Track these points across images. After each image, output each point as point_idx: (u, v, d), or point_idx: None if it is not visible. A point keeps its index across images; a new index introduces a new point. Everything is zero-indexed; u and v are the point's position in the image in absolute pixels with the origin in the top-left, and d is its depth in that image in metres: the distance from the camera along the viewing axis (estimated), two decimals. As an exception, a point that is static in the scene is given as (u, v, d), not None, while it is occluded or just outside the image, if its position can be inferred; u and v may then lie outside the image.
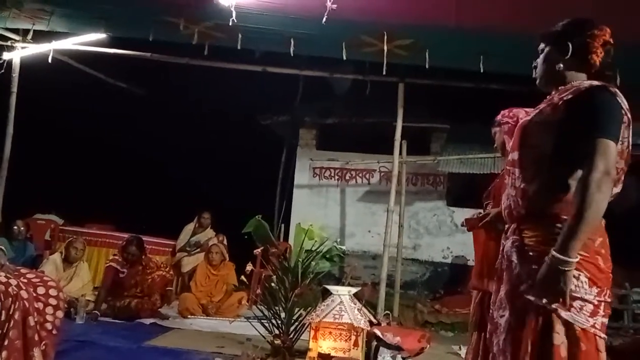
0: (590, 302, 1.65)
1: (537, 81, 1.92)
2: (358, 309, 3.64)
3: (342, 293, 3.70)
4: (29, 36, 5.79)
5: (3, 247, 3.08)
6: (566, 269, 1.59)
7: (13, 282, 2.62)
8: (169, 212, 7.97)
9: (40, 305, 2.69)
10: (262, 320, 4.20)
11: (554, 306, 1.63)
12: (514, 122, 2.64)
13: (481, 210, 2.77)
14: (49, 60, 5.77)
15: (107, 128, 8.75)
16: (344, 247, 5.91)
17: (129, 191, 9.30)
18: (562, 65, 1.82)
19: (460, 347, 4.80)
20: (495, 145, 2.85)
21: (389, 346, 3.56)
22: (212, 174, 9.99)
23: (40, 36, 5.80)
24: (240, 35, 5.08)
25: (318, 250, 4.16)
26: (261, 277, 6.40)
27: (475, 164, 7.46)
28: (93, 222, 7.43)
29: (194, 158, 9.89)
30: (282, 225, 8.81)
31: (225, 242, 7.05)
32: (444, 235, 8.45)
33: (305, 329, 3.99)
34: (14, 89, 5.94)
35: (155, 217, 8.06)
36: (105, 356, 3.69)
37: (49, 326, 2.69)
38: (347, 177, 8.83)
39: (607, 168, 1.59)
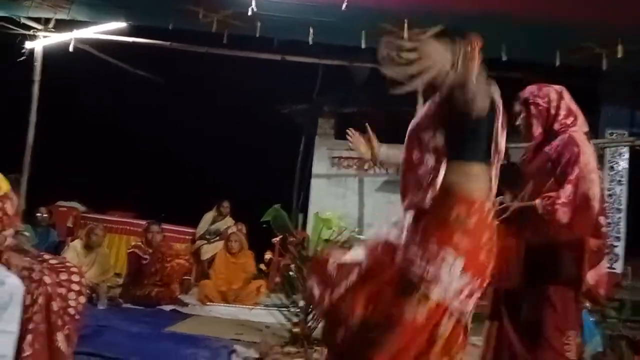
0: (457, 286, 1.77)
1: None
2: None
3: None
4: (51, 25, 5.85)
5: (27, 234, 3.12)
6: None
7: (37, 267, 2.66)
8: (188, 201, 8.04)
9: (63, 290, 2.72)
10: (281, 308, 4.22)
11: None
12: (545, 104, 2.51)
13: (502, 198, 2.70)
14: (70, 49, 5.83)
15: (128, 116, 8.82)
16: (362, 237, 5.88)
17: (149, 179, 9.39)
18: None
19: (480, 339, 4.77)
20: (517, 123, 2.62)
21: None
22: (231, 163, 10.03)
23: (61, 25, 5.86)
24: (259, 24, 5.07)
25: (336, 239, 4.16)
26: (280, 265, 6.43)
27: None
28: (114, 210, 7.54)
29: (213, 147, 9.93)
30: (301, 214, 8.83)
31: (244, 230, 7.10)
32: (463, 226, 8.39)
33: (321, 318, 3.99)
34: (37, 77, 6.01)
35: (175, 205, 8.13)
36: (127, 341, 3.74)
37: (71, 311, 2.72)
38: (366, 167, 8.79)
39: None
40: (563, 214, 2.31)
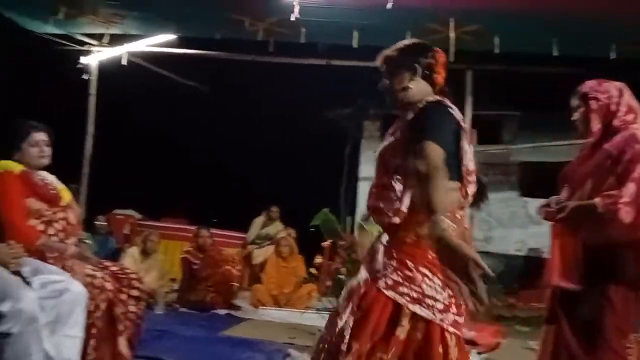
0: (441, 302, 1.78)
1: (388, 100, 2.03)
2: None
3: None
4: (105, 40, 6.08)
5: (88, 242, 3.25)
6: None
7: (99, 274, 2.77)
8: (238, 207, 8.17)
9: (123, 296, 2.82)
10: (333, 312, 4.22)
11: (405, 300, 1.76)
12: (605, 99, 2.40)
13: (558, 197, 2.61)
14: (123, 63, 6.04)
15: (178, 126, 9.07)
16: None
17: (201, 186, 9.61)
18: (410, 85, 1.96)
19: (537, 343, 4.63)
20: (573, 119, 2.52)
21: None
22: (279, 169, 10.14)
23: (114, 40, 6.08)
24: (303, 30, 5.11)
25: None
26: (330, 269, 6.44)
27: (549, 151, 7.15)
28: (168, 217, 7.75)
29: (261, 153, 10.07)
30: (349, 218, 8.82)
31: (293, 235, 7.16)
32: (517, 226, 8.16)
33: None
34: (92, 91, 6.26)
35: (226, 211, 8.29)
36: (184, 345, 3.84)
37: (132, 316, 2.82)
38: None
39: (431, 164, 1.72)
40: (626, 214, 2.23)
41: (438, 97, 1.92)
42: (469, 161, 1.89)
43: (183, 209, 8.13)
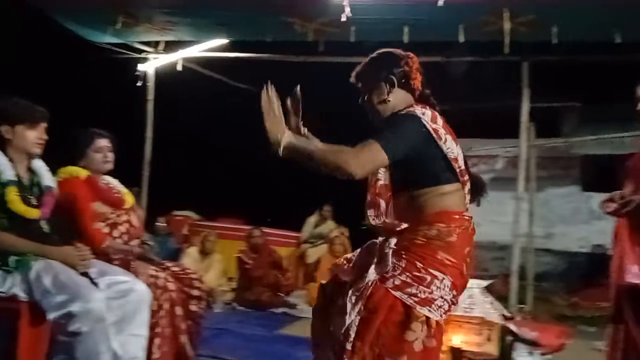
0: (448, 302, 1.82)
1: (371, 117, 2.04)
2: (490, 303, 3.51)
3: (472, 286, 3.58)
4: (160, 47, 6.26)
5: (151, 243, 3.37)
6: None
7: (161, 274, 2.87)
8: (292, 206, 8.25)
9: (185, 296, 2.92)
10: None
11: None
12: None
13: (622, 191, 2.50)
14: (178, 68, 6.20)
15: (234, 128, 9.23)
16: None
17: (256, 187, 9.75)
18: (389, 98, 1.97)
19: (603, 343, 4.44)
20: (638, 109, 2.45)
21: (525, 342, 3.39)
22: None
23: (170, 46, 6.25)
24: (353, 28, 5.09)
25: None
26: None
27: (613, 143, 6.83)
28: (225, 217, 7.91)
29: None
30: (403, 216, 8.74)
31: (346, 234, 7.16)
32: (580, 222, 7.84)
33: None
34: (150, 97, 6.45)
35: (280, 210, 8.37)
36: (243, 344, 3.91)
37: (193, 315, 2.91)
38: (470, 165, 8.51)
39: (362, 164, 1.75)
40: None
41: (410, 109, 1.91)
42: (460, 162, 1.93)
43: (239, 209, 8.28)
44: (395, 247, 1.84)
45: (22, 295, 2.42)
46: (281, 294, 5.77)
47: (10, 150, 2.57)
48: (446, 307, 1.81)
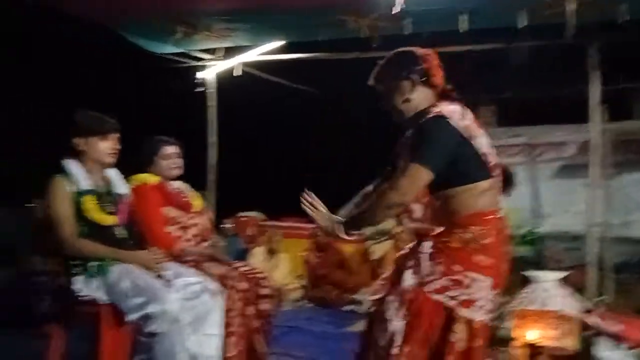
0: (490, 301, 1.83)
1: (394, 117, 2.04)
2: (567, 296, 3.37)
3: (547, 279, 3.45)
4: (219, 54, 6.41)
5: (220, 244, 3.46)
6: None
7: (232, 275, 2.94)
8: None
9: (254, 295, 2.97)
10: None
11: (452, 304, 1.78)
12: None
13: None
14: (238, 74, 6.33)
15: (294, 129, 9.34)
16: (543, 230, 5.46)
17: (316, 185, 9.81)
18: (412, 96, 1.97)
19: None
20: None
21: (607, 336, 3.22)
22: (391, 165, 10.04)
23: (228, 52, 6.39)
24: (407, 21, 5.01)
25: (514, 235, 3.94)
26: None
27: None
28: (289, 216, 8.00)
29: (373, 150, 10.06)
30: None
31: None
32: (659, 209, 7.38)
33: (508, 317, 3.81)
34: (211, 103, 6.63)
35: (341, 208, 8.38)
36: (314, 341, 3.94)
37: (264, 314, 2.96)
38: (536, 153, 8.18)
39: (406, 192, 1.79)
40: None
41: (436, 110, 1.91)
42: (491, 156, 1.92)
43: (301, 208, 8.35)
44: (431, 251, 1.85)
45: (102, 299, 2.54)
46: (347, 293, 5.77)
47: (85, 161, 2.71)
48: (489, 306, 1.83)
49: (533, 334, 3.41)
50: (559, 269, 5.64)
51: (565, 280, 3.67)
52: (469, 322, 1.77)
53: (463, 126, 1.86)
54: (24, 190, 4.25)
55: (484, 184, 1.87)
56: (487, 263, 1.80)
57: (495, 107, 8.54)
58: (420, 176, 1.80)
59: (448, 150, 1.84)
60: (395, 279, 1.90)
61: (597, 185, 5.48)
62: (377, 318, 1.88)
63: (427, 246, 1.87)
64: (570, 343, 3.29)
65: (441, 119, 1.87)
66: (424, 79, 1.98)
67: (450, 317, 1.77)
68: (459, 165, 1.85)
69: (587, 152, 5.75)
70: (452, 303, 1.77)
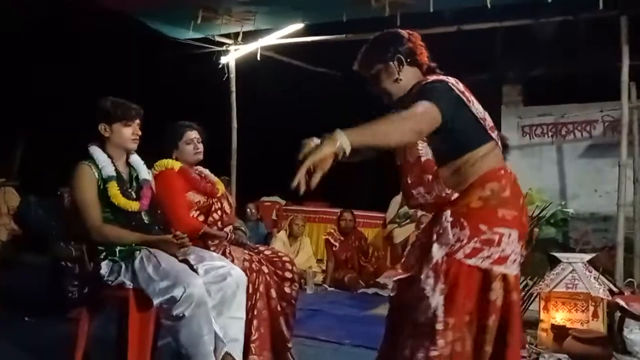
0: (519, 254, 1.84)
1: (385, 100, 2.01)
2: (595, 277, 3.30)
3: (574, 260, 3.39)
4: (239, 38, 6.38)
5: (243, 229, 3.47)
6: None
7: (255, 258, 2.95)
8: (377, 187, 8.20)
9: (278, 278, 2.98)
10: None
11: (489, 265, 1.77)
12: None
13: None
14: (258, 58, 6.31)
15: (315, 113, 9.30)
16: (570, 210, 5.36)
17: (338, 169, 9.78)
18: (400, 77, 1.96)
19: None
20: None
21: (636, 317, 3.16)
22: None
23: (248, 36, 6.36)
24: (431, -3, 4.91)
25: (540, 215, 3.87)
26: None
27: None
28: (310, 201, 8.02)
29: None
30: (493, 190, 8.41)
31: (434, 212, 7.02)
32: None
33: (534, 300, 3.76)
34: (233, 88, 6.63)
35: (364, 192, 8.36)
36: (336, 324, 3.96)
37: (287, 297, 2.97)
38: (564, 132, 7.97)
39: (420, 120, 1.72)
40: None
41: (432, 78, 1.92)
42: (488, 120, 1.92)
43: (324, 193, 8.35)
44: (452, 219, 1.83)
45: (128, 283, 2.58)
46: (369, 276, 5.78)
47: (109, 147, 2.74)
48: (519, 259, 1.85)
49: (560, 316, 3.36)
50: (588, 250, 5.55)
51: (593, 262, 3.60)
52: (505, 278, 1.78)
53: (460, 91, 1.88)
54: (54, 177, 4.33)
55: (487, 146, 1.88)
56: (511, 216, 1.81)
57: (522, 86, 8.37)
58: (432, 111, 1.74)
59: (453, 102, 1.83)
60: (422, 256, 1.88)
61: (626, 165, 5.33)
62: (409, 298, 1.86)
63: (447, 215, 1.84)
64: (598, 326, 3.24)
65: (440, 81, 1.89)
66: (410, 58, 1.99)
67: (486, 278, 1.77)
68: (462, 130, 1.86)
69: (616, 130, 5.59)
70: (486, 263, 1.76)
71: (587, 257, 3.53)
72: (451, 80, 1.91)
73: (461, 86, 1.91)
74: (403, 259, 2.05)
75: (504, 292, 1.77)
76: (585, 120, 7.72)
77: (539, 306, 3.55)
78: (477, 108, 1.91)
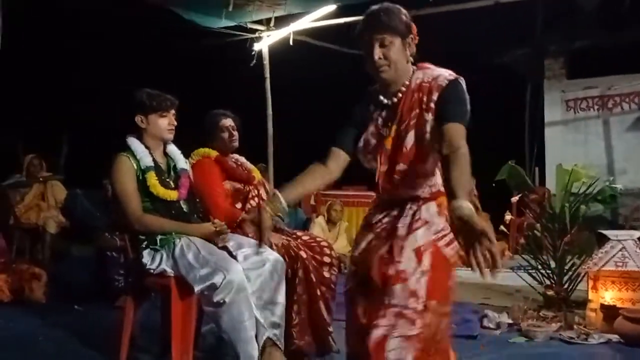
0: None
1: (385, 72, 1.90)
2: (646, 255, 3.17)
3: (624, 237, 3.25)
4: (272, 24, 6.36)
5: (281, 215, 3.47)
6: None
7: (293, 244, 2.95)
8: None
9: (317, 263, 2.97)
10: (530, 271, 3.97)
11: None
12: None
13: None
14: (291, 43, 6.28)
15: (349, 95, 9.24)
16: (618, 186, 5.17)
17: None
18: (410, 56, 1.91)
19: None
20: None
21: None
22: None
23: (280, 22, 6.33)
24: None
25: (587, 192, 3.73)
26: (522, 225, 6.06)
27: None
28: (349, 185, 7.99)
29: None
30: (537, 168, 8.19)
31: (475, 192, 6.87)
32: None
33: (582, 279, 3.64)
34: (267, 75, 6.62)
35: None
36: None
37: (327, 282, 2.96)
38: (610, 105, 7.67)
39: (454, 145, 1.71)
40: None
41: (448, 73, 1.88)
42: None
43: (362, 177, 8.30)
44: (438, 209, 1.89)
45: (169, 271, 2.61)
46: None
47: (146, 138, 2.77)
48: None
49: (610, 296, 3.25)
50: (637, 227, 5.33)
51: (643, 239, 3.46)
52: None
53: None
54: (97, 170, 4.44)
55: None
56: None
57: (565, 59, 8.07)
58: (461, 132, 1.76)
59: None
60: (391, 240, 1.89)
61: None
62: (382, 280, 1.84)
63: (431, 206, 1.89)
64: (651, 305, 3.11)
65: (461, 80, 1.87)
66: (414, 40, 1.92)
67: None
68: None
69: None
70: (454, 258, 1.86)
71: (638, 234, 3.39)
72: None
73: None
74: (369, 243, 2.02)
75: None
76: (633, 92, 7.38)
77: (587, 286, 3.43)
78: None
